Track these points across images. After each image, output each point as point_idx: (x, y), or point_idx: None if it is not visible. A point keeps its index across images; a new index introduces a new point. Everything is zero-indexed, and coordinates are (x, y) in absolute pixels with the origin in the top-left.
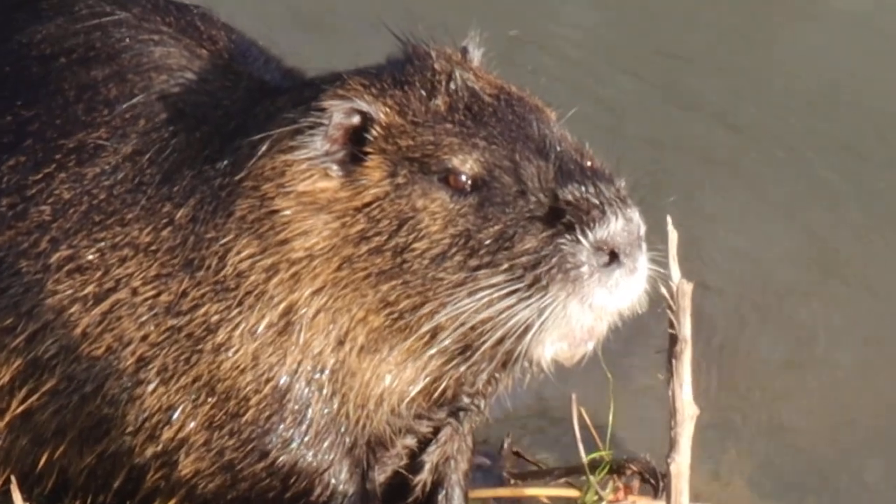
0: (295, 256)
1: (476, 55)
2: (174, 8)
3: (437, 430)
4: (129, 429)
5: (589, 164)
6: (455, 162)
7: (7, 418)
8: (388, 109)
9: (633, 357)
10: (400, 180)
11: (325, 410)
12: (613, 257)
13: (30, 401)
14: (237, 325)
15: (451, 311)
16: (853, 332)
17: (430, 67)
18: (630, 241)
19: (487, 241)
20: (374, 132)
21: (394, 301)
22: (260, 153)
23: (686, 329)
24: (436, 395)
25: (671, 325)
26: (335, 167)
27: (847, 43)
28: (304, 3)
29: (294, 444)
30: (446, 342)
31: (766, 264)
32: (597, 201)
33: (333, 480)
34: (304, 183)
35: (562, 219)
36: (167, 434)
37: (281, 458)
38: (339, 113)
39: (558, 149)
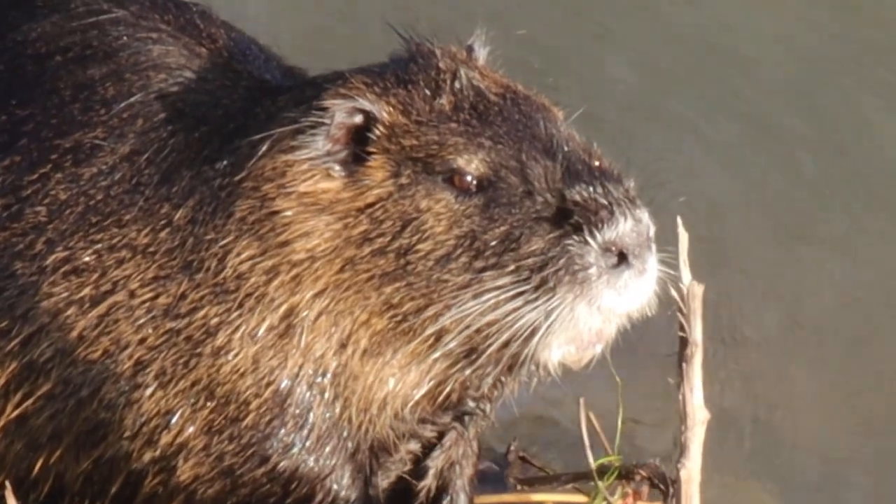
0: (296, 258)
1: (482, 53)
2: (173, 5)
3: (441, 435)
4: (127, 433)
5: (597, 163)
6: (460, 162)
7: (1, 423)
8: (391, 108)
9: (642, 360)
10: (403, 181)
11: (327, 415)
12: (622, 258)
13: (25, 405)
14: (237, 328)
15: (455, 313)
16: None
17: (434, 66)
18: (639, 242)
19: (493, 243)
20: (377, 132)
21: (397, 303)
22: (260, 153)
23: (697, 332)
24: (440, 399)
25: (681, 329)
26: (337, 167)
27: None
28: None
29: (295, 449)
30: (451, 345)
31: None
32: (605, 202)
33: (335, 486)
34: (305, 183)
35: (569, 219)
36: (165, 439)
37: (282, 464)
38: (341, 112)
39: (566, 148)
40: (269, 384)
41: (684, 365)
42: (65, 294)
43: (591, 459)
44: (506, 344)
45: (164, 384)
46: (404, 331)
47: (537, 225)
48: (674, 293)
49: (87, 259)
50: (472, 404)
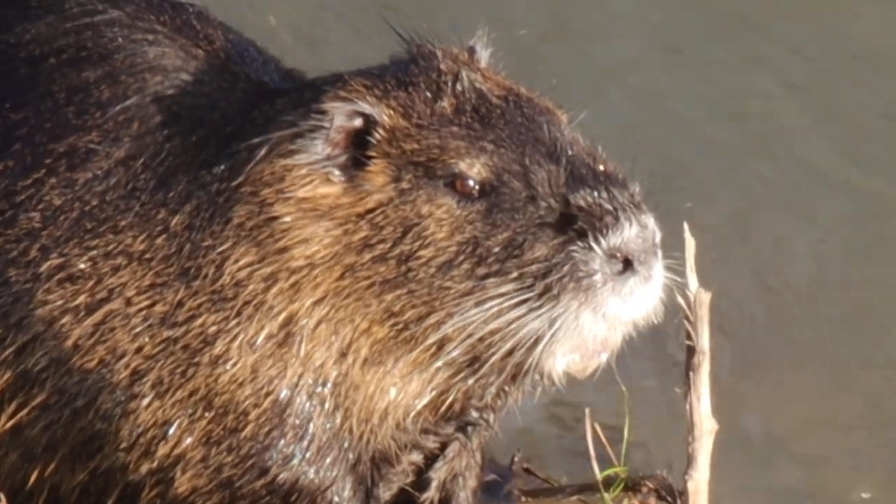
0: (295, 265)
1: (484, 55)
2: (169, 6)
3: (444, 446)
4: (123, 445)
5: (601, 168)
6: (462, 166)
7: None
8: (391, 112)
9: (649, 369)
10: (404, 185)
11: (328, 425)
12: (627, 265)
13: (19, 415)
14: (235, 337)
15: (458, 321)
16: None
17: (435, 68)
18: (645, 249)
19: (496, 249)
20: (377, 135)
21: (398, 311)
22: (258, 157)
23: (704, 340)
24: (443, 408)
25: (688, 337)
26: (337, 172)
27: None
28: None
29: (295, 461)
30: (453, 354)
31: None
32: (610, 207)
33: (336, 498)
34: (304, 188)
35: (573, 225)
36: (163, 450)
37: (281, 476)
38: (340, 115)
39: (570, 152)
40: (268, 394)
41: (691, 374)
42: (60, 302)
43: (596, 471)
44: (509, 352)
45: (161, 394)
46: (406, 339)
47: (541, 231)
48: (680, 301)
49: (82, 266)
50: (475, 414)
